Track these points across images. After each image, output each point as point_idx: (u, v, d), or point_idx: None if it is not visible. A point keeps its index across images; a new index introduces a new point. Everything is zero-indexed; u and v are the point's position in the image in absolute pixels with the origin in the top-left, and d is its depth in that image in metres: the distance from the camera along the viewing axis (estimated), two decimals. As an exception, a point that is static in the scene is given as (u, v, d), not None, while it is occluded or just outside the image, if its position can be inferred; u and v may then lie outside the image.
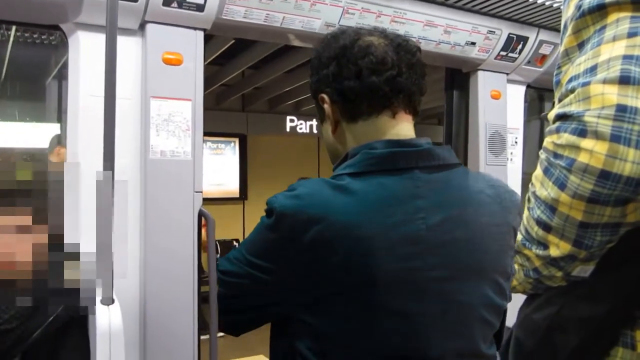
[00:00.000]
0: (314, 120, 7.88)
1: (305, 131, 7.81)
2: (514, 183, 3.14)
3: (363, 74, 0.99)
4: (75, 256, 1.49)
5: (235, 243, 7.47)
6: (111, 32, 1.57)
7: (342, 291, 0.88)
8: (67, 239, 1.54)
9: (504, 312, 1.03)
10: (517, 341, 1.07)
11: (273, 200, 0.98)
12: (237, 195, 7.63)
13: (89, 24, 2.00)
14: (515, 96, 3.15)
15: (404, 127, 1.02)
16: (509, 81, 3.07)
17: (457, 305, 0.92)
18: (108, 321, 1.52)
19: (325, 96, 1.06)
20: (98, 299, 1.53)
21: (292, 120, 7.71)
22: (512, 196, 1.05)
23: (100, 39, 1.80)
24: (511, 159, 3.12)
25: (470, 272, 0.93)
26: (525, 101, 3.24)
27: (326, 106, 1.06)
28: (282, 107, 7.47)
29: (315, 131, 7.90)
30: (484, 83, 2.95)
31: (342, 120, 1.05)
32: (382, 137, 0.99)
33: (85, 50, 2.01)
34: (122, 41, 2.04)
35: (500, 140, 3.02)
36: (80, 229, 1.81)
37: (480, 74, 2.95)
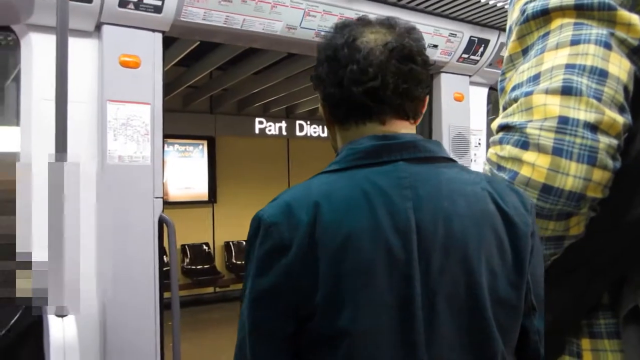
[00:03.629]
0: (283, 121, 7.86)
1: (274, 133, 7.77)
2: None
3: (344, 83, 0.94)
4: (27, 266, 1.45)
5: (204, 246, 7.40)
6: (62, 34, 1.53)
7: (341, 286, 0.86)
8: (19, 246, 1.49)
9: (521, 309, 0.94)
10: None
11: (257, 214, 0.93)
12: (206, 199, 7.54)
13: (41, 25, 1.95)
14: (478, 98, 3.19)
15: (394, 129, 0.97)
16: (472, 83, 3.11)
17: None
18: (62, 334, 1.47)
19: (319, 94, 1.02)
20: (51, 310, 1.48)
21: (261, 122, 7.66)
22: (519, 195, 0.95)
23: (53, 40, 1.75)
24: (474, 160, 3.16)
25: (461, 260, 0.89)
26: (488, 103, 3.29)
27: (320, 105, 1.04)
28: (250, 108, 7.41)
29: (284, 133, 7.88)
30: (447, 85, 2.98)
31: (333, 122, 1.02)
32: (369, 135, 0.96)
33: (37, 52, 1.95)
34: (77, 43, 1.99)
35: (464, 142, 3.05)
36: (33, 235, 1.75)
37: (443, 76, 2.98)
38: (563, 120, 0.80)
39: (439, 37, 2.73)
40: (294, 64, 5.20)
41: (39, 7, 1.86)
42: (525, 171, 0.82)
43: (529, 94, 0.84)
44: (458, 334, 0.88)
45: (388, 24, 0.99)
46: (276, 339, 0.89)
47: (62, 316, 1.49)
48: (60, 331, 1.46)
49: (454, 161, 0.96)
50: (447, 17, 2.71)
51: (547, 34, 0.87)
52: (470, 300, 0.89)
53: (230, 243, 7.62)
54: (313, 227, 0.86)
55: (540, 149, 0.81)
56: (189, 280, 6.84)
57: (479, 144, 3.21)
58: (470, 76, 3.07)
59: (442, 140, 2.99)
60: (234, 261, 7.46)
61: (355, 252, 0.85)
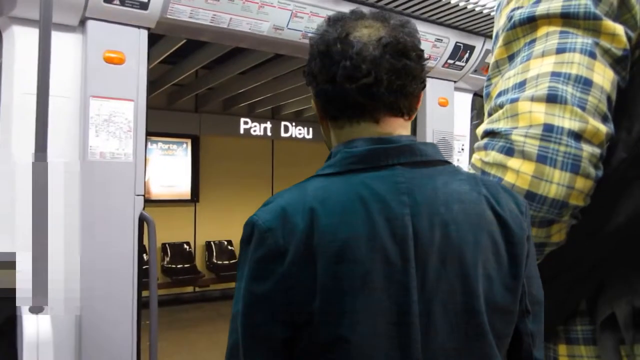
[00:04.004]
0: (268, 122, 7.84)
1: (259, 133, 7.75)
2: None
3: (337, 79, 0.92)
4: (11, 264, 1.43)
5: (185, 245, 7.34)
6: (45, 28, 1.51)
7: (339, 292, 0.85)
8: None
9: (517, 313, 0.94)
10: None
11: (251, 218, 0.91)
12: (189, 197, 7.49)
13: (24, 19, 1.92)
14: (463, 104, 3.21)
15: (389, 128, 0.95)
16: (456, 89, 3.13)
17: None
18: (36, 330, 1.45)
19: (312, 90, 0.99)
20: (25, 307, 1.45)
21: (246, 122, 7.63)
22: (515, 200, 0.95)
23: (36, 34, 1.73)
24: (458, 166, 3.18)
25: (458, 266, 0.89)
26: (472, 109, 3.32)
27: (312, 101, 1.01)
28: (236, 108, 7.38)
29: (269, 134, 7.86)
30: (432, 90, 3.00)
31: (326, 119, 1.00)
32: (363, 137, 0.94)
33: (20, 46, 1.93)
34: (61, 37, 1.97)
35: (447, 147, 3.07)
36: (14, 229, 1.73)
37: (428, 81, 2.97)
38: (548, 128, 0.81)
39: (425, 42, 2.75)
40: (281, 65, 5.19)
41: (23, -1, 1.84)
42: (509, 177, 0.83)
43: (514, 100, 0.85)
44: (454, 341, 0.88)
45: (382, 17, 0.97)
46: (271, 345, 0.87)
47: (37, 313, 1.47)
48: (34, 328, 1.44)
49: (450, 163, 0.94)
50: (433, 22, 2.73)
51: (534, 41, 0.88)
52: (466, 306, 0.88)
53: (212, 243, 7.57)
54: (310, 234, 0.84)
55: (524, 155, 0.82)
56: (169, 279, 6.78)
57: (462, 149, 3.23)
58: (455, 82, 3.10)
59: (425, 145, 3.01)
60: (215, 261, 7.42)
61: (353, 260, 0.84)
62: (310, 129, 8.04)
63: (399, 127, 0.94)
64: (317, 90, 0.96)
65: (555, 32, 0.87)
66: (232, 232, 7.44)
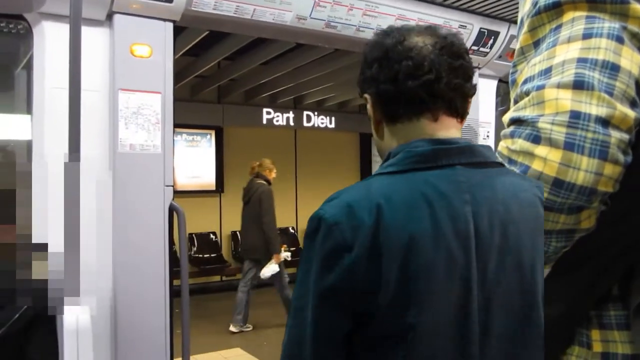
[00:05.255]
0: (291, 112, 7.86)
1: (282, 123, 7.77)
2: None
3: (399, 78, 0.96)
4: (44, 254, 1.47)
5: (211, 235, 7.44)
6: (75, 22, 1.54)
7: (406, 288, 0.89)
8: (35, 235, 1.51)
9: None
10: None
11: (317, 212, 0.94)
12: (214, 188, 7.57)
13: (54, 14, 1.96)
14: (487, 90, 3.18)
15: (446, 129, 0.99)
16: (481, 75, 3.10)
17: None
18: (75, 319, 1.50)
19: (368, 97, 1.04)
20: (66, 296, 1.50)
21: (268, 113, 7.66)
22: None
23: (65, 29, 1.76)
24: (482, 152, 3.16)
25: (516, 265, 0.93)
26: (497, 95, 3.28)
27: (369, 107, 1.05)
28: (258, 99, 7.42)
29: (292, 123, 7.88)
30: (456, 77, 2.98)
31: (383, 121, 1.03)
32: (422, 137, 0.98)
33: (50, 41, 1.97)
34: (88, 32, 2.01)
35: (472, 134, 3.05)
36: (47, 224, 1.78)
37: (452, 67, 2.97)
38: (575, 115, 0.80)
39: (449, 28, 2.72)
40: (303, 55, 5.20)
41: (52, -5, 1.88)
42: (536, 165, 0.83)
43: (540, 87, 0.84)
44: (511, 336, 0.92)
45: (430, 28, 1.03)
46: (336, 338, 0.90)
47: (75, 303, 1.51)
48: (74, 316, 1.49)
49: (504, 165, 0.98)
50: (457, 8, 2.70)
51: (559, 26, 0.87)
52: (523, 305, 0.92)
53: (237, 232, 7.66)
54: (376, 229, 0.87)
55: (552, 143, 0.81)
56: (196, 269, 6.89)
57: (487, 136, 3.20)
58: (479, 68, 3.07)
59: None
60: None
61: (418, 255, 0.88)
62: (333, 118, 8.04)
63: (454, 129, 0.99)
64: (377, 91, 1.00)
65: (582, 17, 0.85)
66: (256, 221, 7.48)
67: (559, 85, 0.82)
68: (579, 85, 0.81)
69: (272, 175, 5.29)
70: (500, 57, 3.02)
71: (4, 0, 1.91)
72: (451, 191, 0.91)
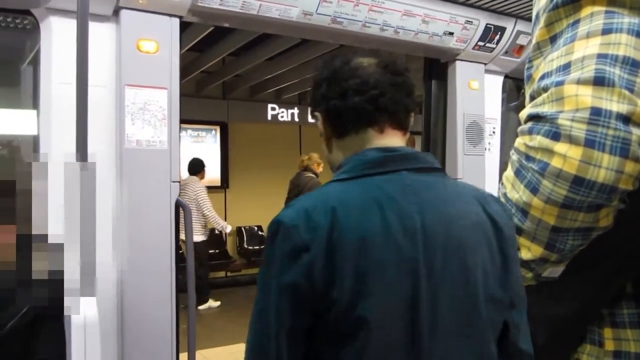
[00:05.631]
0: (296, 108, 7.85)
1: (286, 119, 7.77)
2: (492, 172, 3.16)
3: (348, 94, 1.07)
4: (59, 252, 1.47)
5: (216, 231, 7.45)
6: (82, 18, 1.55)
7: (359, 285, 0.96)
8: (35, 230, 1.52)
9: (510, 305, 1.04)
10: None
11: (276, 217, 1.01)
12: (219, 184, 7.57)
13: (61, 9, 1.96)
14: (493, 86, 3.16)
15: (391, 140, 1.09)
16: (487, 71, 3.08)
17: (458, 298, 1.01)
18: (83, 313, 1.50)
19: (318, 114, 1.14)
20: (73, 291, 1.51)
21: (273, 109, 7.65)
22: (501, 205, 1.09)
23: (72, 24, 1.76)
24: (489, 149, 3.14)
25: (460, 259, 1.00)
26: (503, 91, 3.26)
27: (319, 124, 1.15)
28: (263, 94, 7.41)
29: (297, 119, 7.87)
30: (462, 73, 2.97)
31: (333, 136, 1.14)
32: (370, 147, 1.09)
33: (57, 37, 1.97)
34: (95, 27, 2.01)
35: (478, 130, 3.04)
36: (54, 222, 1.78)
37: (458, 64, 2.96)
38: (595, 112, 0.78)
39: (455, 24, 2.71)
40: (308, 50, 5.19)
41: (59, -9, 1.88)
42: (556, 162, 0.81)
43: (559, 83, 0.83)
44: (456, 327, 0.99)
45: (373, 52, 1.15)
46: (297, 332, 0.97)
47: (83, 296, 1.52)
48: (81, 310, 1.49)
49: (444, 171, 1.11)
50: (463, 4, 2.68)
51: (577, 21, 0.85)
52: (467, 296, 0.99)
53: (242, 228, 7.67)
54: (331, 230, 0.95)
55: (572, 140, 0.79)
56: (201, 265, 6.90)
57: (493, 132, 3.19)
58: (485, 64, 3.05)
59: (456, 129, 2.98)
60: (246, 246, 7.52)
61: (370, 252, 0.95)
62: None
63: (399, 140, 1.11)
64: (328, 107, 1.10)
65: (601, 12, 0.84)
66: (261, 217, 7.50)
67: (579, 82, 0.80)
68: (599, 81, 0.79)
69: (320, 169, 5.69)
70: (506, 52, 3.00)
71: (11, -4, 1.92)
72: (399, 194, 1.00)
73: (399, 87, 1.09)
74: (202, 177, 6.01)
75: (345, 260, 0.94)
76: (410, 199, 1.00)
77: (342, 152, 1.12)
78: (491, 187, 3.13)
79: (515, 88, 3.45)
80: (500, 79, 3.22)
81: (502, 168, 3.27)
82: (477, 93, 3.03)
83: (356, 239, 0.95)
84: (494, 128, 3.18)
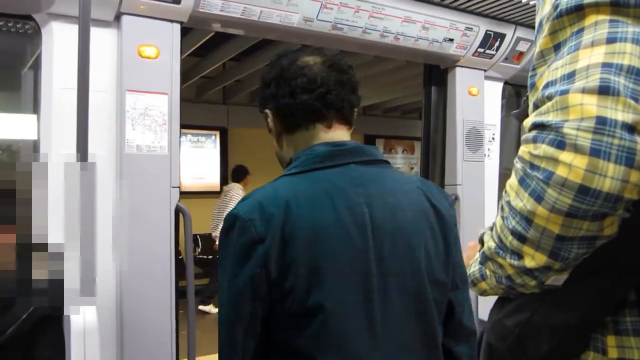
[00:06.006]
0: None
1: (286, 124, 7.76)
2: (492, 179, 3.17)
3: (297, 92, 1.14)
4: (60, 255, 1.47)
5: (215, 237, 7.44)
6: (84, 23, 1.55)
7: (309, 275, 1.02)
8: (35, 234, 1.51)
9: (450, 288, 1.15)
10: (488, 346, 1.07)
11: (232, 211, 1.06)
12: (218, 189, 7.58)
13: (62, 15, 1.97)
14: (493, 93, 3.17)
15: (338, 135, 1.17)
16: (487, 78, 3.09)
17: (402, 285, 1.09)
18: (82, 319, 1.50)
19: (268, 112, 1.21)
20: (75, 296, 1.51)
21: (273, 114, 7.66)
22: (443, 193, 1.23)
23: (74, 30, 1.77)
24: (488, 155, 3.15)
25: (406, 246, 1.09)
26: (503, 98, 3.27)
27: (269, 121, 1.22)
28: (263, 100, 7.41)
29: (296, 125, 7.85)
30: (462, 79, 2.97)
31: (283, 133, 1.20)
32: (319, 142, 1.15)
33: (58, 42, 1.98)
34: (96, 33, 2.01)
35: (478, 136, 3.05)
36: (53, 226, 1.78)
37: (458, 70, 2.97)
38: (601, 121, 0.78)
39: (455, 31, 2.72)
40: (308, 56, 5.20)
41: (61, -4, 1.88)
42: (561, 171, 0.81)
43: (564, 92, 0.82)
44: (405, 309, 1.07)
45: (317, 51, 1.21)
46: (252, 320, 1.03)
47: (84, 303, 1.52)
48: (81, 317, 1.49)
49: (389, 163, 1.18)
50: (463, 10, 2.70)
51: (581, 30, 0.85)
52: (414, 280, 1.08)
53: (241, 233, 7.66)
54: (285, 222, 1.00)
55: (577, 149, 0.79)
56: (200, 270, 6.89)
57: (493, 138, 3.20)
58: (485, 70, 3.06)
59: (456, 135, 2.99)
60: (245, 251, 7.51)
61: (322, 241, 1.02)
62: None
63: (345, 134, 1.19)
64: (277, 106, 1.17)
65: (605, 21, 0.83)
66: (260, 222, 7.48)
67: (584, 90, 0.80)
68: (604, 90, 0.79)
69: None
70: (506, 59, 3.01)
71: (14, 1, 1.92)
72: (347, 185, 1.07)
73: (344, 84, 1.16)
74: (244, 184, 6.28)
75: (299, 250, 1.00)
76: (358, 190, 1.07)
77: (293, 148, 1.18)
78: (490, 193, 3.13)
79: (514, 94, 3.46)
80: (500, 85, 3.23)
81: (502, 174, 3.27)
82: (477, 99, 3.04)
83: (309, 230, 1.01)
84: (494, 134, 3.19)
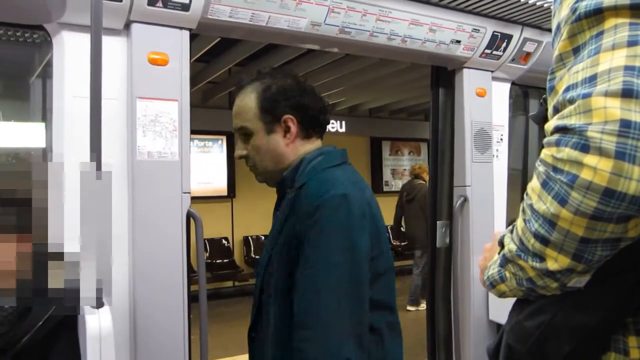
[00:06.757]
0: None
1: (292, 128, 7.77)
2: (500, 179, 3.16)
3: (325, 110, 1.54)
4: (74, 264, 1.48)
5: (224, 241, 7.46)
6: (96, 32, 1.56)
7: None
8: (51, 241, 1.52)
9: None
10: (508, 347, 1.07)
11: (338, 190, 1.31)
12: (226, 194, 7.61)
13: (73, 24, 1.99)
14: (500, 93, 3.17)
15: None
16: (494, 79, 3.09)
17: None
18: (98, 324, 1.51)
19: (293, 118, 1.46)
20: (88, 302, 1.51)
21: (279, 118, 7.67)
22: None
23: (84, 39, 1.79)
24: (497, 156, 3.14)
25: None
26: (510, 98, 3.27)
27: (291, 125, 1.46)
28: (269, 104, 7.42)
29: (302, 128, 7.87)
30: (469, 81, 2.98)
31: (300, 136, 1.48)
32: (321, 147, 1.51)
33: (69, 51, 1.99)
34: (107, 41, 2.02)
35: (486, 137, 3.05)
36: (69, 233, 1.80)
37: (465, 71, 2.97)
38: (625, 124, 0.78)
39: (462, 32, 2.73)
40: (313, 60, 5.22)
41: (71, 6, 1.90)
42: (585, 175, 0.80)
43: (587, 95, 0.82)
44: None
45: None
46: (366, 289, 1.31)
47: (98, 308, 1.53)
48: (96, 321, 1.50)
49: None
50: (470, 12, 2.70)
51: (601, 33, 0.85)
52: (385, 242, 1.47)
53: (249, 238, 7.67)
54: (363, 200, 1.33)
55: (602, 152, 0.79)
56: (209, 274, 6.92)
57: (501, 139, 3.19)
58: (492, 72, 3.06)
59: (464, 136, 2.99)
60: (253, 255, 7.52)
61: (377, 221, 1.37)
62: (343, 122, 8.05)
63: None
64: (310, 116, 1.48)
65: (625, 24, 0.83)
66: (268, 227, 7.49)
67: (607, 94, 0.80)
68: (627, 93, 0.79)
69: (427, 176, 6.37)
70: (513, 60, 3.01)
71: (25, 12, 1.94)
72: (359, 176, 1.43)
73: (325, 109, 1.56)
74: None
75: (373, 224, 1.33)
76: (364, 181, 1.44)
77: (303, 149, 1.48)
78: (499, 193, 3.13)
79: (522, 95, 3.45)
80: (507, 86, 3.22)
81: (510, 175, 3.26)
82: (485, 100, 3.04)
83: (365, 207, 1.32)
84: (502, 135, 3.19)
